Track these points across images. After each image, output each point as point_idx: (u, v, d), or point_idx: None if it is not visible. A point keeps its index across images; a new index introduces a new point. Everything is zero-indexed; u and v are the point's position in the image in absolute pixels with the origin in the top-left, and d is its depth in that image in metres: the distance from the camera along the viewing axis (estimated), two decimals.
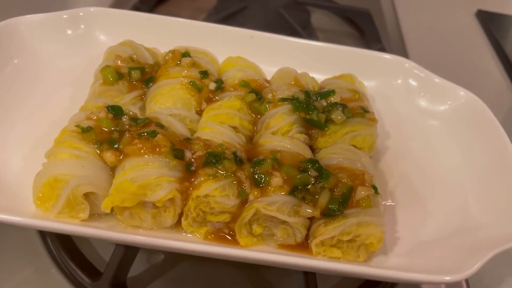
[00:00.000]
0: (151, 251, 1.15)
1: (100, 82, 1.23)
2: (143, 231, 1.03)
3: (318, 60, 1.47)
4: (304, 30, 1.97)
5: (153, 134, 1.04)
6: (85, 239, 1.15)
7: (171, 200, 1.00)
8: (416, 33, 2.19)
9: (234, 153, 1.05)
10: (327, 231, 1.00)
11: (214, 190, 0.99)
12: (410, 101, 1.41)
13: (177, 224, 1.06)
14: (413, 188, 1.22)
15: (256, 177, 1.03)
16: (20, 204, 1.03)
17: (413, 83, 1.42)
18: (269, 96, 1.25)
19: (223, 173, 1.01)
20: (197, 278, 1.13)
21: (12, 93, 1.24)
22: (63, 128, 1.11)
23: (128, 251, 1.06)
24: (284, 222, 1.02)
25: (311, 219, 1.04)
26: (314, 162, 1.07)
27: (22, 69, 1.28)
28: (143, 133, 1.05)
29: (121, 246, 1.05)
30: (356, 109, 1.24)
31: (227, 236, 1.04)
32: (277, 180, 1.02)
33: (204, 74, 1.26)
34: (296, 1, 2.14)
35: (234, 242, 1.03)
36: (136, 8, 1.98)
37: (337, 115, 1.21)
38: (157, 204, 1.00)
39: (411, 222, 1.14)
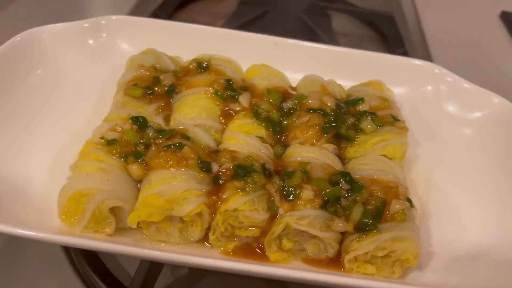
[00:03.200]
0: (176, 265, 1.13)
1: (123, 93, 1.21)
2: (170, 247, 0.99)
3: (344, 66, 1.43)
4: (325, 34, 1.93)
5: (180, 146, 1.01)
6: (110, 254, 1.13)
7: (199, 214, 0.97)
8: (439, 36, 2.14)
9: (263, 166, 1.02)
10: (361, 246, 0.96)
11: (243, 204, 0.96)
12: (441, 109, 1.36)
13: (204, 239, 1.03)
14: (446, 200, 1.18)
15: (286, 190, 1.00)
16: (45, 218, 1.01)
17: (444, 89, 1.37)
18: (294, 104, 1.22)
19: (252, 187, 0.97)
20: None
21: (35, 103, 1.23)
22: (87, 140, 1.09)
23: (154, 266, 1.04)
24: (315, 237, 0.99)
25: (343, 234, 1.00)
26: (345, 174, 1.03)
27: (45, 79, 1.27)
28: (169, 145, 1.02)
29: (147, 261, 1.02)
30: (386, 118, 1.21)
31: (256, 250, 1.01)
32: (308, 193, 0.98)
33: (229, 82, 1.23)
34: (317, 5, 2.10)
35: (263, 257, 1.00)
36: (155, 14, 1.96)
37: (366, 124, 1.17)
38: (184, 219, 0.97)
39: (445, 235, 1.10)
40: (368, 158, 1.12)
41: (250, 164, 1.01)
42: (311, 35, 1.90)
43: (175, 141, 1.04)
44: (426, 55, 1.98)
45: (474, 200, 1.17)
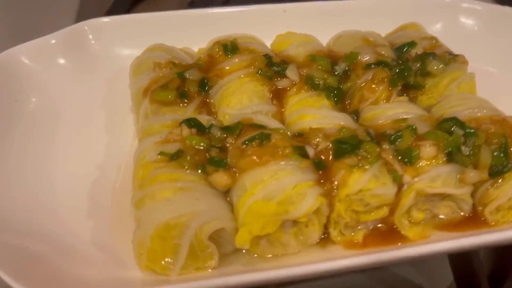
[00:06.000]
0: None
1: (149, 100, 0.98)
2: (292, 259, 0.80)
3: (364, 17, 1.29)
4: None
5: (267, 136, 0.82)
6: None
7: (316, 210, 0.79)
8: None
9: (368, 133, 0.85)
10: (502, 192, 0.83)
11: (368, 182, 0.78)
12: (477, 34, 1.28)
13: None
14: None
15: (402, 154, 0.84)
16: (108, 271, 0.78)
17: (475, 18, 1.29)
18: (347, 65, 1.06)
19: (367, 159, 0.80)
20: None
21: (39, 138, 0.97)
22: (138, 164, 0.85)
23: None
24: (445, 197, 0.84)
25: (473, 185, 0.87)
26: (453, 119, 0.89)
27: (41, 109, 1.01)
28: (253, 138, 0.82)
29: None
30: (445, 55, 1.09)
31: (389, 234, 0.84)
32: (429, 150, 0.83)
33: (269, 58, 1.05)
34: None
35: (400, 237, 0.83)
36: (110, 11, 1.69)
37: (433, 65, 1.05)
38: (299, 220, 0.78)
39: None
40: (454, 100, 1.00)
41: (353, 135, 0.84)
42: None
43: (253, 133, 0.84)
44: None
45: None
